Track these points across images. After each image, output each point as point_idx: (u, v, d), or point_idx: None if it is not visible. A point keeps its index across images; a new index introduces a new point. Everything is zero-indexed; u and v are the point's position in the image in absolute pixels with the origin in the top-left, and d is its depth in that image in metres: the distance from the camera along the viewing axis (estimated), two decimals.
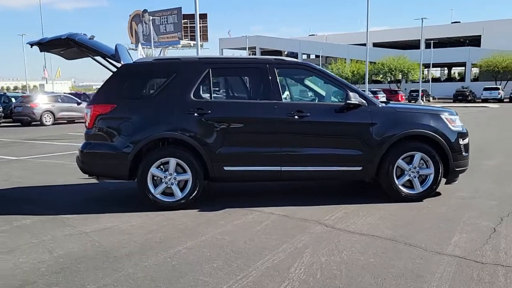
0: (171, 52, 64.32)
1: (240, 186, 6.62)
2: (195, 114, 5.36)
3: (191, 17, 64.97)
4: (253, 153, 5.46)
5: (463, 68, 69.82)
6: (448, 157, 5.61)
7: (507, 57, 52.52)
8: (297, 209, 5.33)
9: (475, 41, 64.37)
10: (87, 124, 5.49)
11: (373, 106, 5.59)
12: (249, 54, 63.08)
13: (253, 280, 3.38)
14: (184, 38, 64.12)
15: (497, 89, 48.07)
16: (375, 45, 63.03)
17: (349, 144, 5.54)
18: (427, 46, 54.56)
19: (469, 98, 49.18)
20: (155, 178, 5.40)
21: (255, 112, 5.49)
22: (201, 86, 5.53)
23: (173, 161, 5.36)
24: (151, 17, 59.73)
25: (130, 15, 69.51)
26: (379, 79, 59.14)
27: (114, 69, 5.83)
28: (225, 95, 5.82)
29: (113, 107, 5.38)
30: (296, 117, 5.43)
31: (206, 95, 5.54)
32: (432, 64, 57.17)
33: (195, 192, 5.40)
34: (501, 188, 6.34)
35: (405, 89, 53.22)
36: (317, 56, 65.99)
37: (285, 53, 68.71)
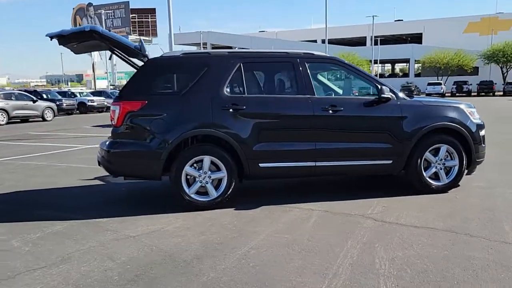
0: None
1: (264, 183, 6.49)
2: (230, 110, 5.19)
3: (139, 11, 63.41)
4: (289, 148, 5.37)
5: (405, 64, 72.93)
6: (471, 148, 5.79)
7: (447, 54, 55.37)
8: (333, 204, 5.31)
9: (416, 38, 67.32)
10: (115, 121, 5.16)
11: (401, 100, 5.67)
12: (201, 49, 62.37)
13: (348, 278, 3.31)
14: (133, 33, 62.26)
15: (440, 84, 50.55)
16: (324, 42, 64.28)
17: (381, 138, 5.58)
18: (373, 43, 56.38)
19: (415, 92, 51.33)
20: (189, 177, 5.19)
21: (290, 107, 5.40)
22: (233, 81, 5.35)
23: (207, 159, 5.17)
24: (102, 11, 57.44)
25: (73, 8, 66.50)
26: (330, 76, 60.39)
27: (137, 64, 5.54)
28: (258, 90, 5.66)
29: (143, 104, 5.09)
30: (330, 111, 5.41)
31: (240, 90, 5.37)
32: (379, 60, 59.16)
33: (230, 190, 5.24)
34: (510, 176, 6.62)
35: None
36: None
37: (236, 48, 68.44)
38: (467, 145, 5.79)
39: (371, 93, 5.98)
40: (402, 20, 70.72)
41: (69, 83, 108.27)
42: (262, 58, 5.59)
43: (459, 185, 6.00)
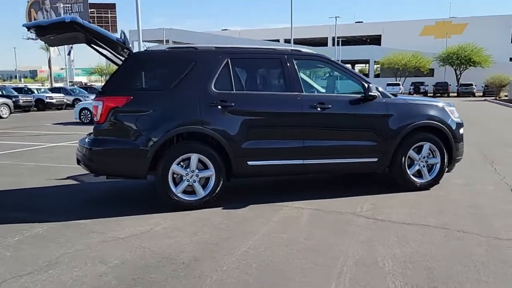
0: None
1: (250, 182, 6.38)
2: (219, 107, 5.06)
3: (98, 6, 61.68)
4: (278, 146, 5.29)
5: (365, 65, 74.51)
6: (452, 146, 5.91)
7: (405, 56, 56.96)
8: (322, 202, 5.27)
9: (376, 40, 68.96)
10: (97, 118, 4.91)
11: (387, 98, 5.71)
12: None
13: (354, 277, 3.27)
14: None
15: (398, 84, 51.93)
16: (287, 41, 64.83)
17: (367, 135, 5.60)
18: (335, 43, 57.27)
19: None
20: (175, 176, 5.01)
21: (279, 105, 5.32)
22: (221, 77, 5.21)
23: (195, 157, 5.01)
24: (60, 4, 55.28)
25: (28, 1, 63.85)
26: None
27: (113, 58, 5.31)
28: (246, 87, 5.53)
29: (128, 100, 4.87)
30: (318, 109, 5.37)
31: (228, 87, 5.23)
32: (340, 61, 60.08)
33: (218, 189, 5.11)
34: (483, 173, 6.81)
35: None
36: None
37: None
38: (448, 143, 5.90)
39: (356, 91, 5.97)
40: (362, 22, 72.24)
41: (22, 79, 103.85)
42: (250, 54, 5.48)
43: (438, 183, 6.11)
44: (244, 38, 63.84)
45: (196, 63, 5.14)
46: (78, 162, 5.35)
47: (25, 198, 5.74)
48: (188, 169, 5.02)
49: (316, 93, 6.25)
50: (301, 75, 6.38)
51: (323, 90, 6.42)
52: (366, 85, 5.52)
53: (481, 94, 46.42)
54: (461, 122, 6.18)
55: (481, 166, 7.51)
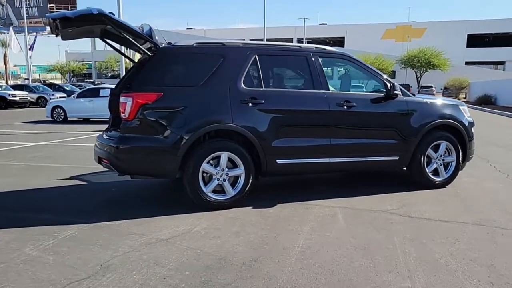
0: (40, 40, 57.95)
1: (267, 180, 6.27)
2: (250, 104, 4.95)
3: (58, 1, 59.54)
4: (306, 144, 5.25)
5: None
6: (466, 145, 6.06)
7: (368, 58, 58.26)
8: (349, 201, 5.27)
9: (339, 42, 70.19)
10: (126, 115, 4.69)
11: (407, 97, 5.77)
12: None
13: (426, 276, 3.26)
14: None
15: (362, 86, 53.03)
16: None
17: (389, 134, 5.64)
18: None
19: None
20: (205, 174, 4.87)
21: (308, 103, 5.28)
22: (250, 74, 5.11)
23: (225, 155, 4.89)
24: None
25: None
26: None
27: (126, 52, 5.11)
28: (274, 84, 5.44)
29: (159, 96, 4.69)
30: (345, 107, 5.36)
31: (256, 84, 5.13)
32: None
33: (247, 188, 5.00)
34: (486, 171, 7.02)
35: None
36: None
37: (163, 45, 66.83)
38: (463, 141, 6.04)
39: (373, 90, 6.01)
40: (326, 24, 73.36)
41: None
42: (276, 51, 5.39)
43: (453, 180, 6.22)
44: (209, 37, 63.37)
45: (224, 59, 5.01)
46: (99, 160, 5.11)
47: (38, 200, 5.43)
48: (218, 168, 4.89)
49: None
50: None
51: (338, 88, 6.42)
52: (389, 84, 5.57)
53: (440, 95, 47.93)
54: (472, 121, 6.34)
55: (480, 165, 7.73)
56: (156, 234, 4.10)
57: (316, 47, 5.57)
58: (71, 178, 6.63)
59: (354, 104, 5.42)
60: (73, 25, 4.85)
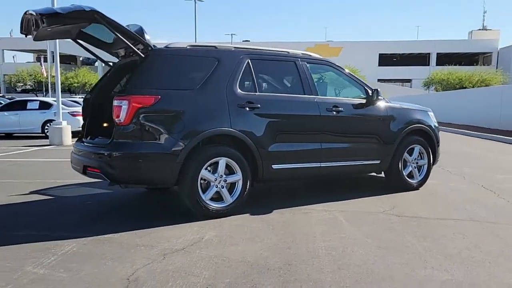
0: None
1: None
2: (247, 108, 4.86)
3: None
4: (299, 149, 5.24)
5: None
6: (436, 148, 6.42)
7: None
8: (339, 204, 5.31)
9: None
10: (121, 119, 4.36)
11: (387, 103, 5.99)
12: (37, 56, 56.56)
13: (466, 270, 3.35)
14: None
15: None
16: None
17: (372, 138, 5.82)
18: None
19: None
20: (202, 181, 4.67)
21: (301, 107, 5.28)
22: (244, 78, 5.02)
23: (223, 161, 4.73)
24: None
25: None
26: None
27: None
28: (266, 89, 5.36)
29: (157, 99, 4.43)
30: (334, 112, 5.45)
31: (251, 88, 5.04)
32: None
33: (245, 194, 4.88)
34: (444, 175, 7.47)
35: None
36: None
37: (80, 58, 63.95)
38: (433, 145, 6.40)
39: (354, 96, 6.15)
40: (249, 40, 74.40)
41: None
42: (267, 56, 5.34)
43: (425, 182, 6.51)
44: None
45: (219, 62, 4.88)
46: (84, 170, 4.70)
47: (10, 217, 4.86)
48: (216, 174, 4.71)
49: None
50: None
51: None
52: (370, 90, 5.77)
53: None
54: (438, 126, 6.74)
55: (436, 169, 8.17)
56: (167, 245, 3.83)
57: (302, 53, 5.63)
58: (32, 193, 6.03)
59: (341, 109, 5.52)
60: (59, 22, 4.46)
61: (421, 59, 60.59)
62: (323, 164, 5.41)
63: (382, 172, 6.17)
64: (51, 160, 9.79)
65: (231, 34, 45.02)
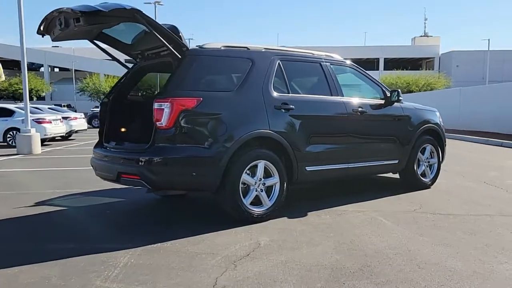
0: None
1: None
2: (282, 110, 4.77)
3: None
4: (330, 150, 5.22)
5: None
6: (444, 148, 6.61)
7: None
8: (367, 205, 5.33)
9: None
10: (164, 122, 4.13)
11: (402, 103, 6.09)
12: None
13: None
14: None
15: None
16: (127, 61, 62.84)
17: (392, 138, 5.90)
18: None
19: None
20: (242, 186, 4.52)
21: (331, 108, 5.26)
22: (276, 79, 4.92)
23: (262, 164, 4.62)
24: None
25: None
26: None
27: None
28: (298, 90, 5.26)
29: (199, 101, 4.24)
30: (358, 113, 5.47)
31: (283, 89, 4.95)
32: None
33: (282, 198, 4.78)
34: (446, 173, 7.70)
35: None
36: (65, 69, 61.38)
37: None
38: (442, 144, 6.58)
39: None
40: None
41: None
42: (295, 57, 5.26)
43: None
44: (78, 55, 59.57)
45: (253, 63, 4.77)
46: (118, 177, 4.42)
47: (36, 229, 4.50)
48: (255, 178, 4.59)
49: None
50: None
51: None
52: (387, 92, 5.85)
53: None
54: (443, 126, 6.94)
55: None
56: (228, 252, 3.67)
57: (326, 55, 5.61)
58: (38, 204, 5.62)
59: (365, 110, 5.55)
60: (97, 21, 4.19)
61: (370, 64, 62.64)
62: (350, 165, 5.42)
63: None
64: (31, 169, 9.20)
65: (189, 39, 44.35)
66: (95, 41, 5.15)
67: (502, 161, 9.83)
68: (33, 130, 12.70)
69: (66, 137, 18.28)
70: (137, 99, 5.62)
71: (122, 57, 5.67)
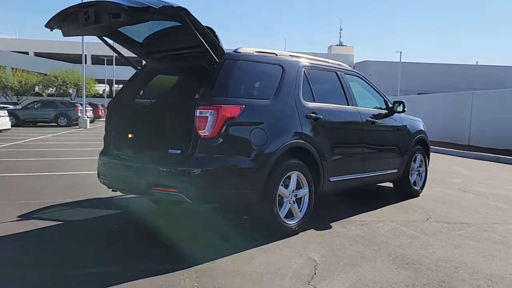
0: None
1: None
2: (312, 120, 4.64)
3: None
4: (349, 160, 5.20)
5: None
6: (429, 156, 6.90)
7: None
8: (378, 213, 5.40)
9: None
10: (208, 131, 3.80)
11: (399, 113, 6.23)
12: None
13: None
14: None
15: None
16: (37, 54, 58.90)
17: (394, 147, 6.03)
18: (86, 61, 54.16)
19: None
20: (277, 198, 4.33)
21: (352, 118, 5.25)
22: (304, 87, 4.78)
23: (295, 175, 4.46)
24: None
25: None
26: (53, 91, 54.11)
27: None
28: (321, 99, 5.08)
29: (242, 109, 3.98)
30: (370, 123, 5.51)
31: (310, 98, 4.81)
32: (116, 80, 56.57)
33: (311, 209, 4.66)
34: (431, 183, 8.03)
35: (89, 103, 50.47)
36: None
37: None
38: (428, 153, 6.86)
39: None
40: None
41: None
42: (316, 65, 5.12)
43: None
44: None
45: (283, 70, 4.59)
46: (148, 190, 4.00)
47: (52, 248, 3.92)
48: (288, 189, 4.42)
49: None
50: None
51: None
52: (389, 102, 5.98)
53: None
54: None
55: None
56: (291, 270, 3.45)
57: (338, 64, 5.58)
58: (22, 218, 4.95)
59: (375, 120, 5.60)
60: (142, 19, 3.81)
61: None
62: (364, 175, 5.43)
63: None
64: None
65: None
66: (104, 38, 4.65)
67: (454, 168, 10.49)
68: None
69: None
70: (145, 102, 5.17)
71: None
